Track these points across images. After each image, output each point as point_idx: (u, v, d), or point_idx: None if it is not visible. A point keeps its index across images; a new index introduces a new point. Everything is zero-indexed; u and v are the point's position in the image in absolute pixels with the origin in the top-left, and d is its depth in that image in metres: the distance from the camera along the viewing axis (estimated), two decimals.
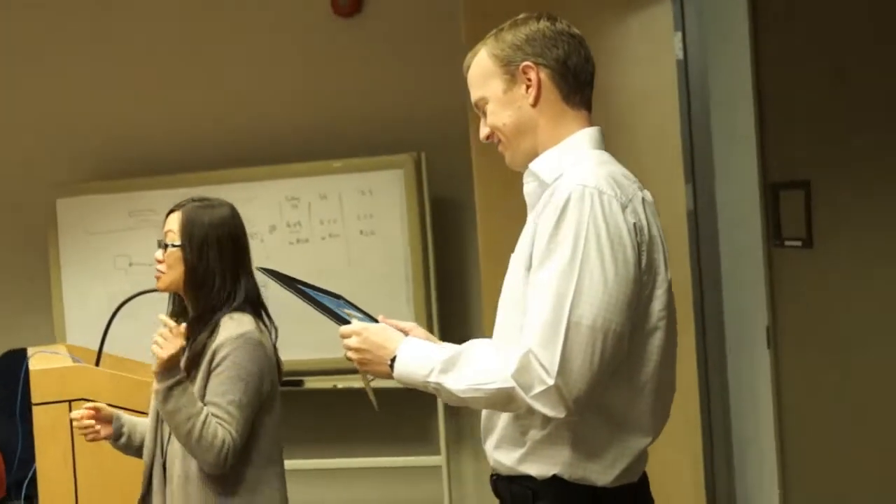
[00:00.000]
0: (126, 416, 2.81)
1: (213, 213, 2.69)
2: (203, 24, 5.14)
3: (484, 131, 2.08)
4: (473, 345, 1.96)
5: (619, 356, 1.86)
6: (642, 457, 1.98)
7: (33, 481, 3.37)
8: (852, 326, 3.19)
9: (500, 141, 2.07)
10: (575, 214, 1.85)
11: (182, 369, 2.55)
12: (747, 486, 3.93)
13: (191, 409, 2.52)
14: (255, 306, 2.70)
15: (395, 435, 4.85)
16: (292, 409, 4.93)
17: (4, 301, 5.30)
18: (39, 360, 3.37)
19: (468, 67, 2.10)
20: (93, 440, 2.76)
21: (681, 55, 4.02)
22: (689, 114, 4.05)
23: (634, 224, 1.90)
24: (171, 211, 2.74)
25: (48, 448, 3.13)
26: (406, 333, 2.06)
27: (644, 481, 2.05)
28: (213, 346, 2.58)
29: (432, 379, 1.91)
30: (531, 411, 1.85)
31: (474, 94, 2.08)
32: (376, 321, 2.10)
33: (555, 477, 1.91)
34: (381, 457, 4.82)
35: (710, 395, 4.06)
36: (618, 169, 2.00)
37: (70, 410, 3.11)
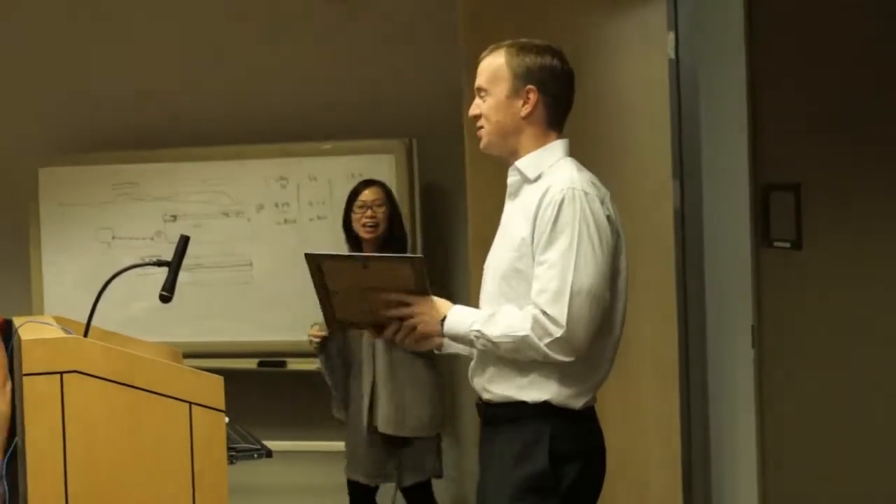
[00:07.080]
0: None
1: None
2: (196, 1, 5.10)
3: (475, 110, 2.58)
4: (505, 306, 2.49)
5: (604, 315, 2.47)
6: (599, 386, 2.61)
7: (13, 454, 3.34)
8: (837, 328, 3.24)
9: (482, 126, 2.57)
10: (569, 210, 2.43)
11: None
12: (724, 481, 3.99)
13: None
14: None
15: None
16: (274, 389, 4.94)
17: None
18: (29, 330, 3.32)
19: (486, 57, 2.59)
20: None
21: (673, 54, 4.06)
22: (679, 112, 4.08)
23: (608, 216, 2.48)
24: None
25: (37, 420, 3.06)
26: None
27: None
28: None
29: (475, 327, 2.47)
30: (545, 357, 2.40)
31: (480, 81, 2.57)
32: None
33: (545, 402, 2.48)
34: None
35: (691, 390, 4.11)
36: (588, 174, 2.54)
37: (62, 383, 3.08)
